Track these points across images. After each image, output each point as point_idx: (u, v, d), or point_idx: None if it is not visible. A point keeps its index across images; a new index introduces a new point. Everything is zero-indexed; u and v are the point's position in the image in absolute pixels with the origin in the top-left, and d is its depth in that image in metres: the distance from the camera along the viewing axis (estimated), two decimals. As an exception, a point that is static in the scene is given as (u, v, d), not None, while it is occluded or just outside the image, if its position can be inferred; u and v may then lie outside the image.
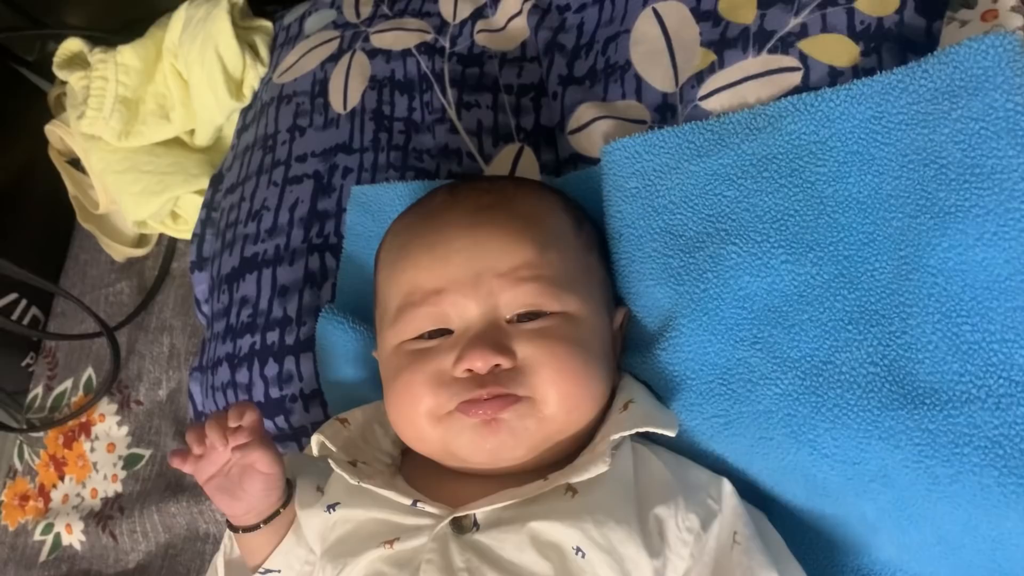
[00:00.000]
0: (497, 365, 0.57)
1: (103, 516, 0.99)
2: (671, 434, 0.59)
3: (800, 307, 0.59)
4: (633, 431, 0.58)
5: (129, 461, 1.01)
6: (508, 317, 0.60)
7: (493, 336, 0.58)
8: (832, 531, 0.61)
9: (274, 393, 0.82)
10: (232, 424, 0.62)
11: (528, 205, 0.64)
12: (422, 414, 0.60)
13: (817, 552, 0.62)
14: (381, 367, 0.65)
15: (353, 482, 0.60)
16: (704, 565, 0.56)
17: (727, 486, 0.59)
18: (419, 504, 0.58)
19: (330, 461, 0.62)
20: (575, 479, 0.55)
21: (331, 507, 0.61)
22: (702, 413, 0.61)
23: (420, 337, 0.61)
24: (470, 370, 0.58)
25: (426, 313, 0.61)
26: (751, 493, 0.62)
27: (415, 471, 0.64)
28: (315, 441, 0.65)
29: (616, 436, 0.57)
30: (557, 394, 0.58)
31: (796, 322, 0.59)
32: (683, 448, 0.62)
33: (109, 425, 1.05)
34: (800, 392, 0.58)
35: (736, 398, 0.60)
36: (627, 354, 0.67)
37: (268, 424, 0.83)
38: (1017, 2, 0.58)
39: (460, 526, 0.56)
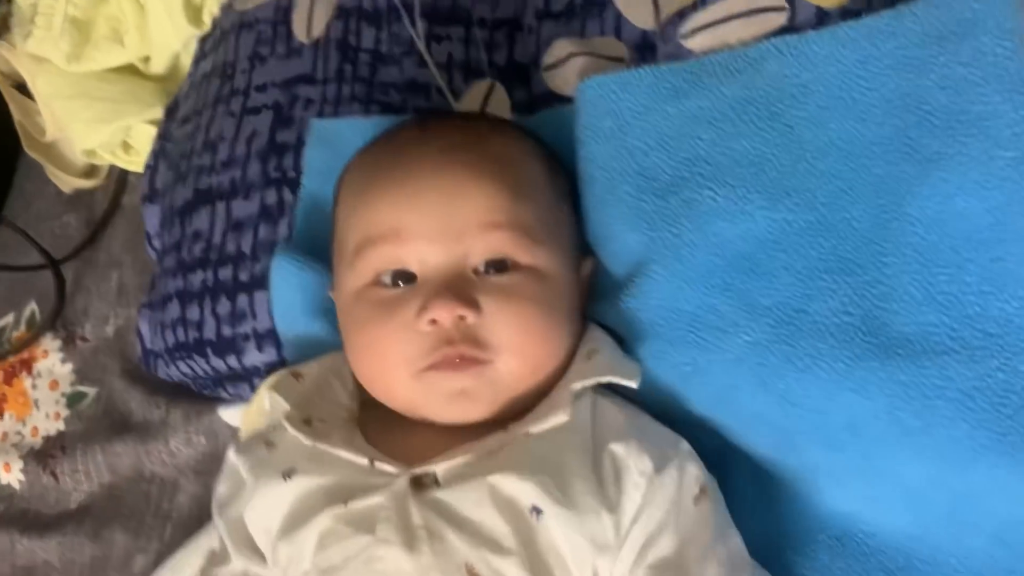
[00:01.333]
0: (462, 317, 0.55)
1: (44, 455, 0.95)
2: (634, 384, 0.57)
3: (774, 254, 0.57)
4: (595, 381, 0.57)
5: (73, 399, 0.98)
6: (475, 266, 0.57)
7: (459, 286, 0.56)
8: (797, 483, 0.60)
9: (226, 331, 0.79)
10: None
11: (503, 147, 0.62)
12: (391, 372, 0.58)
13: (781, 503, 0.61)
14: (339, 313, 0.63)
15: (307, 443, 0.57)
16: (658, 508, 0.54)
17: (684, 444, 0.58)
18: (376, 464, 0.56)
19: (283, 421, 0.59)
20: (535, 428, 0.54)
21: (287, 474, 0.58)
22: (670, 361, 0.59)
23: (380, 283, 0.59)
24: (434, 321, 0.55)
25: (388, 253, 0.58)
26: (717, 443, 0.61)
27: (373, 424, 0.61)
28: (267, 397, 0.62)
29: (578, 385, 0.56)
30: (521, 359, 0.56)
31: (770, 269, 0.57)
32: (649, 396, 0.60)
33: (52, 362, 1.01)
34: (771, 341, 0.56)
35: (705, 346, 0.58)
36: (594, 302, 0.65)
37: (220, 364, 0.80)
38: (1011, -54, 0.56)
39: (419, 484, 0.54)
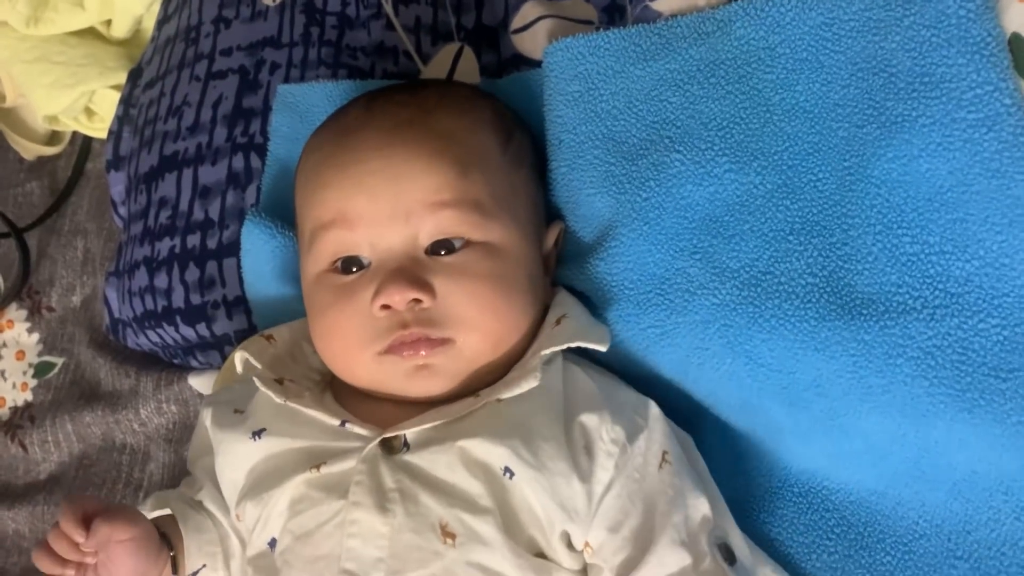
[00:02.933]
0: (416, 300, 0.55)
1: (12, 425, 0.94)
2: (603, 348, 0.58)
3: (742, 217, 0.58)
4: (564, 346, 0.57)
5: (40, 369, 0.97)
6: (427, 246, 0.57)
7: (410, 270, 0.56)
8: (763, 441, 0.61)
9: (195, 299, 0.79)
10: (78, 539, 0.55)
11: (450, 120, 0.60)
12: (352, 355, 0.58)
13: (747, 461, 0.62)
14: (304, 292, 0.63)
15: (279, 400, 0.58)
16: (629, 479, 0.54)
17: (654, 408, 0.58)
18: (347, 425, 0.56)
19: (255, 379, 0.59)
20: (505, 395, 0.54)
21: (256, 433, 0.58)
22: (638, 323, 0.60)
23: (336, 269, 0.59)
24: (387, 306, 0.55)
25: (339, 239, 0.58)
26: (685, 403, 0.61)
27: (345, 388, 0.61)
28: (239, 358, 0.62)
29: (547, 351, 0.56)
30: (479, 333, 0.57)
31: (737, 232, 0.58)
32: (618, 359, 0.61)
33: (18, 332, 1.00)
34: (738, 302, 0.57)
35: (673, 308, 0.59)
36: (563, 266, 0.65)
37: (189, 332, 0.80)
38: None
39: (390, 447, 0.55)
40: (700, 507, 0.55)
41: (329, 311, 0.59)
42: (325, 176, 0.60)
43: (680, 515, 0.54)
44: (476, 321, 0.56)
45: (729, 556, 0.54)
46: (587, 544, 0.53)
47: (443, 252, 0.57)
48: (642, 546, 0.53)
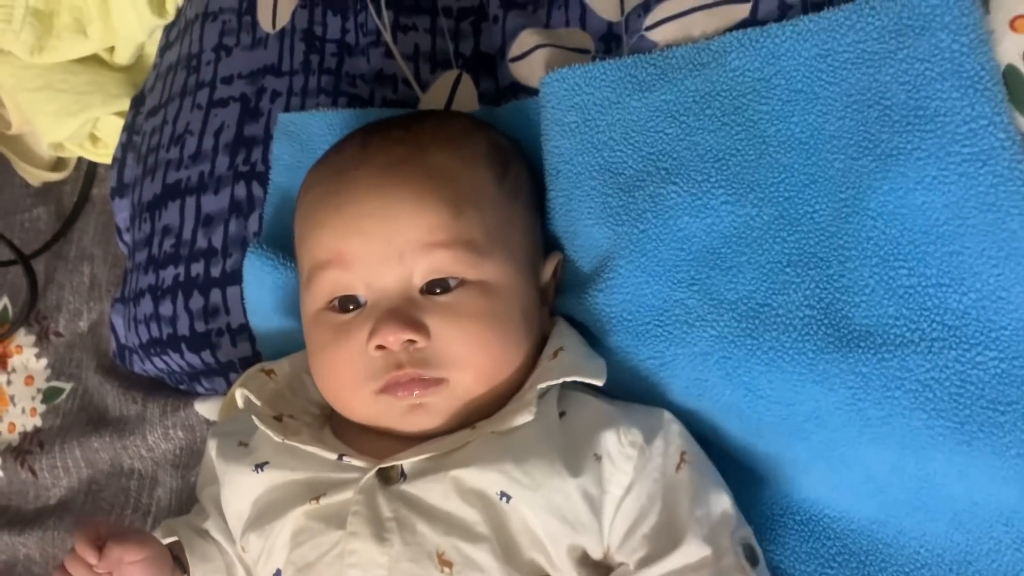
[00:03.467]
0: (411, 341, 0.56)
1: (22, 451, 0.95)
2: (599, 383, 0.58)
3: (739, 248, 0.58)
4: (560, 380, 0.57)
5: (48, 394, 0.98)
6: (421, 286, 0.58)
7: (405, 310, 0.56)
8: (764, 469, 0.61)
9: (199, 327, 0.79)
10: (91, 561, 0.56)
11: (445, 156, 0.61)
12: (347, 393, 0.59)
13: (748, 488, 0.62)
14: (303, 328, 0.63)
15: (277, 439, 0.58)
16: (648, 479, 0.55)
17: (667, 413, 0.59)
18: (345, 458, 0.56)
19: (254, 417, 0.60)
20: (501, 427, 0.55)
21: (259, 466, 0.59)
22: (637, 355, 0.60)
23: (333, 308, 0.60)
24: (382, 346, 0.56)
25: (335, 279, 0.59)
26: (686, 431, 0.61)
27: (345, 421, 0.62)
28: (239, 395, 0.63)
29: (543, 386, 0.57)
30: (473, 372, 0.57)
31: (734, 264, 0.58)
32: (618, 390, 0.61)
33: (27, 357, 1.01)
34: (736, 334, 0.57)
35: (672, 340, 0.59)
36: (562, 296, 0.65)
37: (194, 359, 0.81)
38: (969, -62, 0.56)
39: (387, 477, 0.55)
40: (721, 503, 0.55)
41: (327, 349, 0.59)
42: (321, 216, 0.60)
43: (702, 511, 0.54)
44: (469, 360, 0.57)
45: (752, 556, 0.55)
46: (608, 548, 0.54)
47: (438, 291, 0.57)
48: (663, 543, 0.53)
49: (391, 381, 0.56)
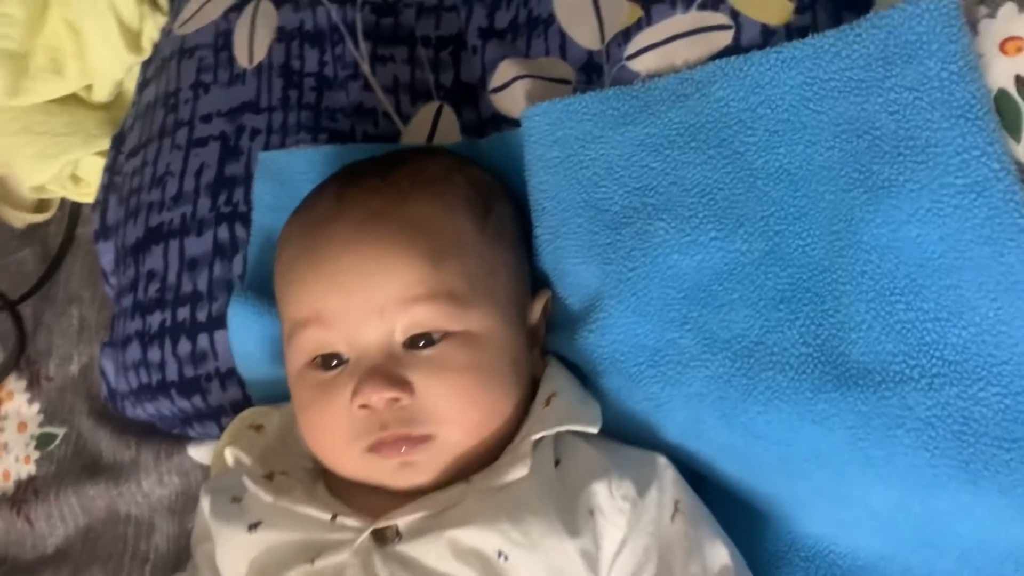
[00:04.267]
0: (395, 399, 0.55)
1: (17, 500, 0.94)
2: (593, 430, 0.57)
3: (730, 285, 0.57)
4: (554, 431, 0.56)
5: (42, 441, 0.96)
6: (404, 341, 0.56)
7: (388, 368, 0.55)
8: (765, 507, 0.59)
9: (188, 372, 0.78)
10: None
11: (423, 205, 0.59)
12: (335, 452, 0.58)
13: (749, 525, 0.60)
14: (289, 383, 0.62)
15: (268, 499, 0.57)
16: (643, 533, 0.54)
17: (662, 459, 0.58)
18: (339, 518, 0.55)
19: (244, 478, 0.59)
20: (496, 482, 0.53)
21: (253, 526, 0.58)
22: (632, 397, 0.59)
23: (316, 365, 0.58)
24: (366, 405, 0.55)
25: (315, 337, 0.57)
26: (684, 472, 0.60)
27: (338, 475, 0.60)
28: (229, 454, 0.62)
29: (536, 436, 0.55)
30: (460, 427, 0.56)
31: (726, 301, 0.56)
32: (614, 432, 0.60)
33: (19, 403, 0.99)
34: (731, 374, 0.56)
35: (666, 381, 0.57)
36: (553, 334, 0.64)
37: (185, 404, 0.79)
38: (955, -43, 0.54)
39: (383, 537, 0.54)
40: (719, 556, 0.54)
41: (311, 408, 0.58)
42: (298, 273, 0.59)
43: (697, 565, 0.53)
44: (456, 415, 0.55)
45: None
46: None
47: (422, 344, 0.56)
48: None
49: (377, 441, 0.55)
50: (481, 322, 0.57)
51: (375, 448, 0.55)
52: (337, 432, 0.56)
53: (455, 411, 0.55)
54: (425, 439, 0.55)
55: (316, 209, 0.62)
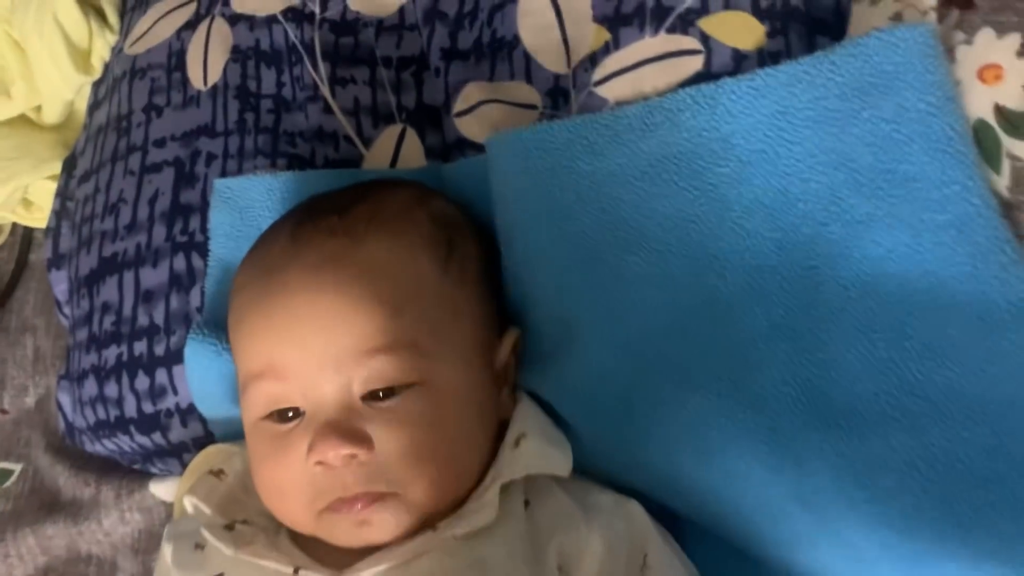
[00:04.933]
0: (353, 455, 0.52)
1: (-27, 540, 0.91)
2: (564, 474, 0.55)
3: (706, 323, 0.55)
4: (522, 474, 0.54)
5: (-2, 477, 0.93)
6: (362, 394, 0.53)
7: (345, 422, 0.52)
8: (747, 549, 0.57)
9: (147, 408, 0.75)
10: None
11: (381, 248, 0.56)
12: (292, 510, 0.55)
13: (731, 568, 0.59)
14: (245, 432, 0.59)
15: (229, 552, 0.55)
16: None
17: (635, 507, 0.56)
18: (301, 571, 0.53)
19: (203, 530, 0.56)
20: (463, 529, 0.51)
21: None
22: (606, 438, 0.57)
23: (271, 417, 0.56)
24: (322, 462, 0.52)
25: (271, 391, 0.55)
26: (662, 513, 0.58)
27: None
28: (187, 503, 0.59)
29: (504, 481, 0.53)
30: (423, 484, 0.53)
31: (703, 339, 0.55)
32: (587, 472, 0.58)
33: (-27, 437, 0.95)
34: (710, 415, 0.54)
35: (641, 422, 0.55)
36: (525, 370, 0.61)
37: (145, 440, 0.77)
38: (930, -22, 0.53)
39: None
40: None
41: (266, 463, 0.56)
42: (252, 323, 0.56)
43: None
44: (418, 471, 0.53)
45: None
46: None
47: (381, 395, 0.53)
48: None
49: (336, 500, 0.53)
50: (444, 371, 0.55)
51: (334, 507, 0.53)
52: (292, 489, 0.54)
53: (417, 467, 0.53)
54: (385, 497, 0.53)
55: (270, 251, 0.59)
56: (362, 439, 0.52)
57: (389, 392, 0.53)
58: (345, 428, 0.52)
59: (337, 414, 0.53)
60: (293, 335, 0.54)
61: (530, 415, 0.58)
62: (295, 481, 0.54)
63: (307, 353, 0.53)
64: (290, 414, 0.55)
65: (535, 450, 0.55)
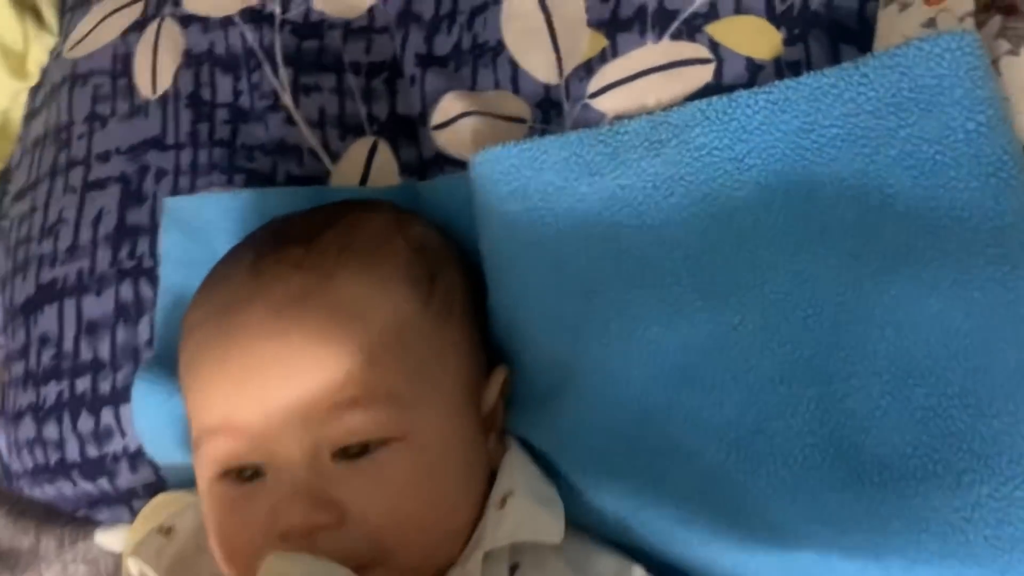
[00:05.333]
0: (322, 526, 0.46)
1: (-99, 594, 0.83)
2: (554, 541, 0.48)
3: (722, 364, 0.49)
4: (507, 542, 0.48)
5: (-72, 523, 0.85)
6: (333, 452, 0.47)
7: (313, 487, 0.46)
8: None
9: (92, 452, 0.69)
10: None
11: (354, 284, 0.50)
12: None
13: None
14: (199, 490, 0.52)
15: None
16: None
17: (637, 572, 0.50)
18: None
19: None
20: None
21: None
22: (609, 493, 0.51)
23: (229, 477, 0.49)
24: (287, 534, 0.46)
25: (228, 449, 0.48)
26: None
27: None
28: (132, 566, 0.53)
29: (488, 548, 0.47)
30: (404, 553, 0.47)
31: (718, 382, 0.49)
32: (586, 529, 0.52)
33: (-100, 479, 0.87)
34: (726, 468, 0.48)
35: (650, 475, 0.50)
36: (513, 413, 0.55)
37: (89, 487, 0.70)
38: (966, -20, 0.47)
39: None
40: None
41: (223, 529, 0.49)
42: (206, 370, 0.50)
43: None
44: (400, 539, 0.47)
45: None
46: None
47: (356, 453, 0.47)
48: None
49: None
50: (426, 423, 0.48)
51: None
52: (255, 559, 0.47)
53: (398, 534, 0.47)
54: (368, 568, 0.46)
55: (227, 286, 0.52)
56: (332, 506, 0.46)
57: (364, 449, 0.47)
58: (313, 494, 0.46)
59: (305, 476, 0.47)
60: (253, 386, 0.47)
61: (518, 468, 0.52)
62: (258, 550, 0.47)
63: (270, 407, 0.47)
64: (250, 473, 0.49)
65: (523, 512, 0.49)
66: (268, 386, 0.47)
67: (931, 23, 0.48)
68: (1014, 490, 0.43)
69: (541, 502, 0.50)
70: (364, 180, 0.67)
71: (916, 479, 0.45)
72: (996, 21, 0.45)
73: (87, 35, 0.79)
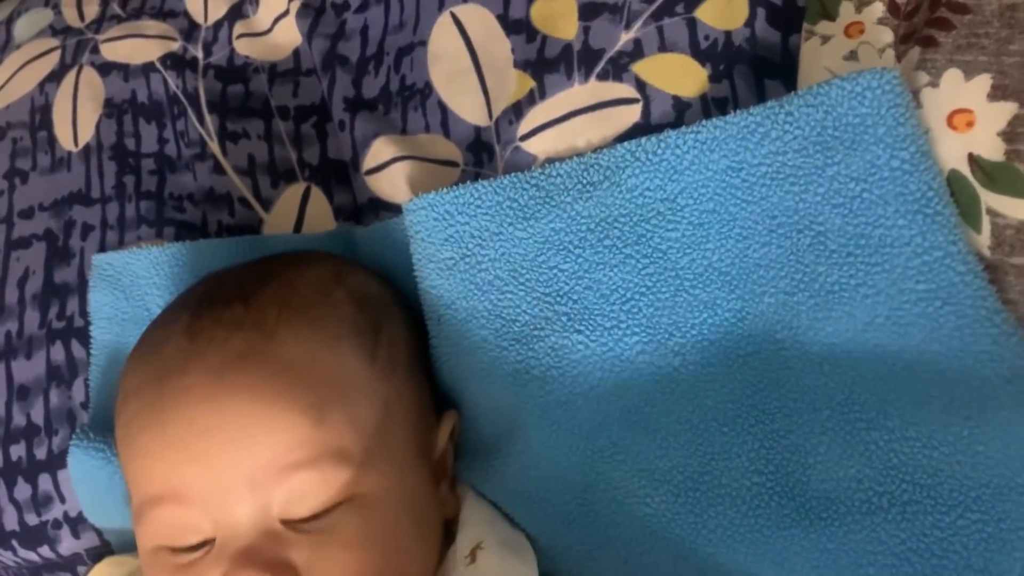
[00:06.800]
0: None
1: None
2: None
3: (664, 406, 0.49)
4: None
5: None
6: (283, 516, 0.46)
7: (263, 550, 0.44)
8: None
9: (31, 520, 0.66)
10: None
11: (297, 341, 0.48)
12: None
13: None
14: (141, 561, 0.50)
15: None
16: None
17: None
18: None
19: None
20: None
21: None
22: (562, 541, 0.50)
23: (172, 546, 0.47)
24: None
25: (172, 517, 0.46)
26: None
27: None
28: None
29: None
30: None
31: (661, 425, 0.49)
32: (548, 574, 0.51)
33: None
34: (675, 511, 0.48)
35: (601, 522, 0.49)
36: (464, 461, 0.54)
37: (31, 555, 0.67)
38: (885, 13, 0.48)
39: None
40: None
41: None
42: (146, 436, 0.47)
43: None
44: None
45: None
46: None
47: (306, 516, 0.46)
48: None
49: None
50: (378, 480, 0.47)
51: None
52: None
53: None
54: None
55: (163, 350, 0.50)
56: (284, 568, 0.44)
57: (315, 513, 0.46)
58: (264, 558, 0.44)
59: (253, 540, 0.45)
60: (195, 453, 0.45)
61: (481, 516, 0.51)
62: None
63: (214, 473, 0.45)
64: (195, 540, 0.47)
65: (496, 566, 0.48)
66: (212, 451, 0.45)
67: (852, 55, 0.48)
68: (957, 519, 0.44)
69: (514, 552, 0.49)
70: (298, 227, 0.65)
71: (862, 513, 0.45)
72: (915, 52, 0.46)
73: (3, 86, 0.76)
